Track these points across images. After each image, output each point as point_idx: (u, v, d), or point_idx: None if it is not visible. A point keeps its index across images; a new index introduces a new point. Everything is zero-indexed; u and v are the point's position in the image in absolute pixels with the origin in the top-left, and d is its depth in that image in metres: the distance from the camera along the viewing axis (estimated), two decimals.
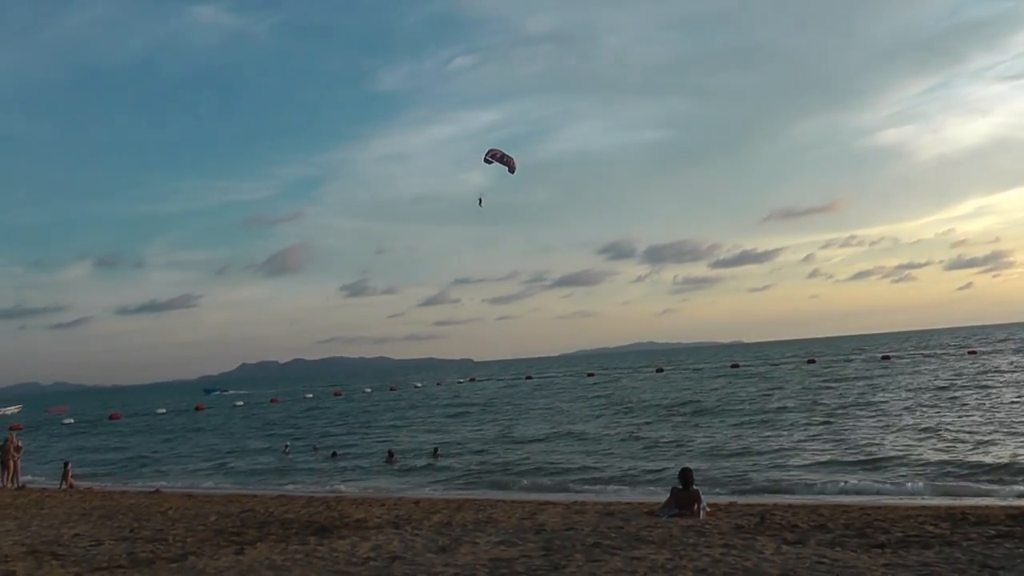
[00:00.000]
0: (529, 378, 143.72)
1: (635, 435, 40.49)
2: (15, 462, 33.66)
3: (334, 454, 41.34)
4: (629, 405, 61.61)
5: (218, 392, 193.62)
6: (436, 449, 39.45)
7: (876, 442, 31.72)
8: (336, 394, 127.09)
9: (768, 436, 36.24)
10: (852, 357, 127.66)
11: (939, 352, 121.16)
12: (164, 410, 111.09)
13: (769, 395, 60.59)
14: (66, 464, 34.32)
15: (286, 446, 46.67)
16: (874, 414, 41.58)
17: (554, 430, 46.35)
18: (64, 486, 32.24)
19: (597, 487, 27.04)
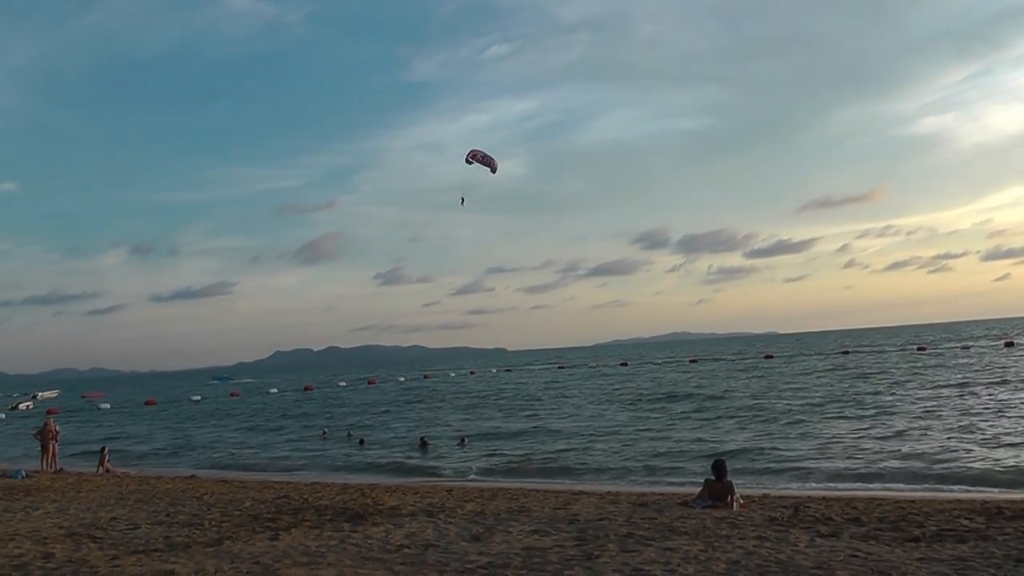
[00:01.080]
0: (561, 367, 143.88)
1: (667, 426, 40.49)
2: (53, 446, 34.25)
3: (361, 441, 41.77)
4: (661, 396, 61.38)
5: (225, 379, 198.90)
6: (464, 439, 39.73)
7: (912, 437, 31.49)
8: (370, 382, 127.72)
9: (802, 428, 36.04)
10: (887, 349, 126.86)
11: (975, 344, 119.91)
12: (199, 396, 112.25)
13: (803, 387, 60.21)
14: (103, 449, 34.82)
15: (323, 432, 47.17)
16: (908, 408, 41.20)
17: (584, 421, 46.39)
18: (101, 470, 32.72)
19: (628, 478, 27.09)
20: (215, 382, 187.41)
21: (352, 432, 45.45)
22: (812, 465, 26.85)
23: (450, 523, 15.04)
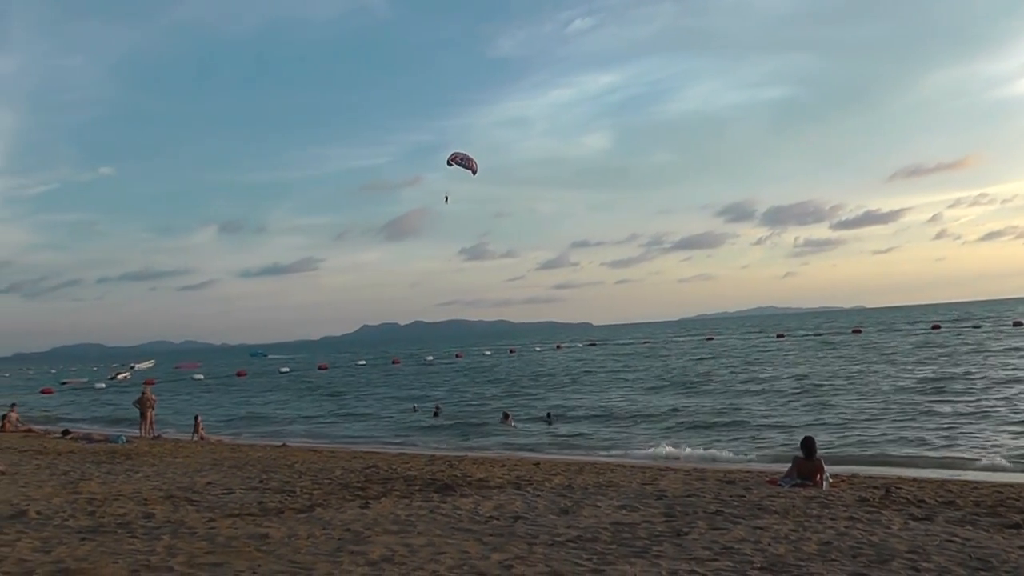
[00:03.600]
0: (646, 342, 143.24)
1: (760, 404, 40.05)
2: (151, 414, 35.46)
3: (436, 412, 42.59)
4: (749, 375, 60.35)
5: (262, 355, 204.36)
6: (549, 413, 39.89)
7: (1005, 419, 30.45)
8: (457, 356, 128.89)
9: (891, 408, 35.11)
10: (981, 323, 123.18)
11: None
12: (288, 368, 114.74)
13: (892, 365, 58.45)
14: (196, 417, 35.89)
15: (414, 407, 47.85)
16: (1001, 389, 39.62)
17: (669, 398, 46.13)
18: (196, 438, 33.75)
19: (712, 455, 26.88)
20: (257, 356, 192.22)
21: (439, 407, 46.00)
22: (901, 446, 26.30)
23: (538, 496, 15.13)
